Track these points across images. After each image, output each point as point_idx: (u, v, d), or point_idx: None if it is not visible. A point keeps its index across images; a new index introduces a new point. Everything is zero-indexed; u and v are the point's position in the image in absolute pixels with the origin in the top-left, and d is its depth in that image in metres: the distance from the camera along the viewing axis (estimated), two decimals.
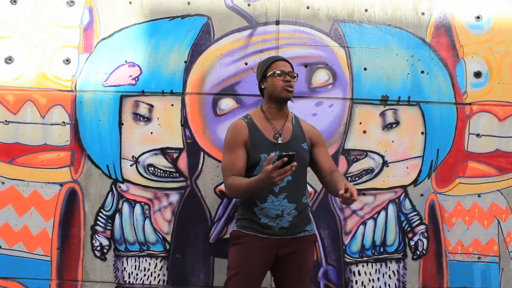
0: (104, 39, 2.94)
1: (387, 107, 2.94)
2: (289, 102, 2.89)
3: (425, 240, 2.92)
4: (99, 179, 2.91)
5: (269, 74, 2.33)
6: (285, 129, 2.34)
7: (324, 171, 2.35)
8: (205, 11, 2.95)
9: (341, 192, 2.03)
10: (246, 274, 2.22)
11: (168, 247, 2.90)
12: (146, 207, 2.90)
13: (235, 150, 2.29)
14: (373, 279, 2.91)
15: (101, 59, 2.93)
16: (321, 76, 2.94)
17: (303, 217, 2.31)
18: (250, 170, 2.28)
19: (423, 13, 2.97)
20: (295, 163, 1.94)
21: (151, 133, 2.91)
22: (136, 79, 2.92)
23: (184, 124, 2.91)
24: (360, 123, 2.93)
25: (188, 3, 2.95)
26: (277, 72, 2.31)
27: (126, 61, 2.93)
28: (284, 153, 1.92)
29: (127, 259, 2.90)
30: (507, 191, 2.94)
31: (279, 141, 2.29)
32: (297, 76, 2.39)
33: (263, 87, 2.39)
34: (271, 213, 2.24)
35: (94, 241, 2.90)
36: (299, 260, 2.27)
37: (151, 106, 2.92)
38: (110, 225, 2.90)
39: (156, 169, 2.91)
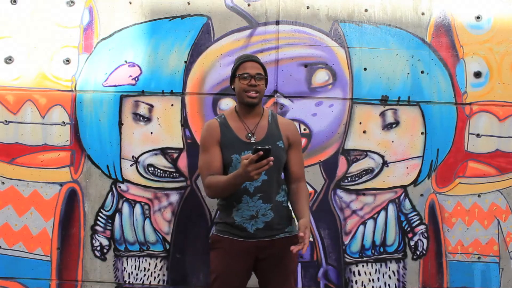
0: (104, 39, 2.94)
1: (387, 107, 2.94)
2: (289, 102, 2.92)
3: (425, 240, 2.92)
4: (99, 179, 2.91)
5: (237, 75, 2.29)
6: (259, 128, 2.29)
7: (292, 176, 2.33)
8: (205, 11, 2.95)
9: (300, 234, 2.03)
10: (226, 279, 2.21)
11: (168, 247, 2.90)
12: (146, 207, 2.90)
13: (210, 150, 2.26)
14: (373, 279, 2.91)
15: (101, 59, 2.93)
16: (321, 76, 2.94)
17: (281, 218, 2.27)
18: (223, 170, 2.26)
19: (423, 13, 2.97)
20: (271, 158, 1.93)
21: (151, 133, 2.91)
22: (136, 79, 2.92)
23: (184, 124, 2.91)
24: (360, 123, 2.93)
25: (188, 3, 2.95)
26: (242, 75, 2.26)
27: (126, 61, 2.93)
28: (259, 147, 1.90)
29: (127, 259, 2.90)
30: (507, 191, 2.94)
31: (252, 141, 2.25)
32: (265, 78, 2.31)
33: (232, 87, 2.36)
34: (245, 214, 2.22)
35: (94, 241, 2.90)
36: (280, 263, 2.23)
37: (151, 106, 2.92)
38: (110, 225, 2.90)
39: (156, 169, 2.91)
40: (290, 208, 2.34)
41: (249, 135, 2.27)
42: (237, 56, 2.41)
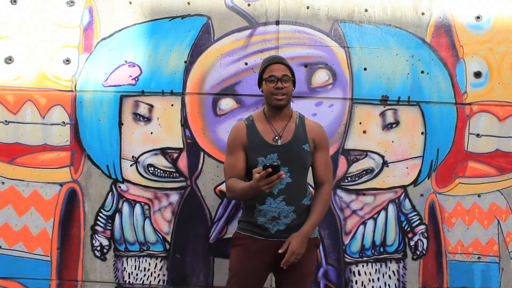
0: (104, 39, 2.94)
1: (387, 107, 2.94)
2: None
3: (425, 240, 2.92)
4: (99, 179, 2.90)
5: (264, 78, 2.31)
6: (287, 130, 2.31)
7: (316, 179, 2.34)
8: (205, 11, 2.95)
9: (280, 251, 2.18)
10: (243, 276, 2.23)
11: (168, 247, 2.90)
12: (146, 207, 2.90)
13: (234, 152, 2.30)
14: (373, 279, 2.91)
15: (101, 59, 2.93)
16: (321, 76, 2.94)
17: (304, 220, 2.27)
18: (250, 172, 2.25)
19: (423, 13, 2.97)
20: (282, 172, 1.99)
21: (151, 133, 2.91)
22: (136, 79, 2.92)
23: (184, 124, 2.91)
24: (360, 123, 2.93)
25: (188, 3, 2.95)
26: (268, 78, 2.28)
27: (126, 61, 2.93)
28: (268, 164, 1.98)
29: (127, 259, 2.90)
30: (507, 191, 2.94)
31: (279, 143, 2.27)
32: (293, 79, 2.33)
33: (261, 90, 2.38)
34: (268, 215, 2.24)
35: (94, 241, 2.90)
36: (297, 264, 2.23)
37: (151, 106, 2.92)
38: (110, 225, 2.90)
39: (156, 169, 2.91)
40: None
41: (276, 137, 2.28)
42: (263, 58, 2.44)
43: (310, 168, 2.38)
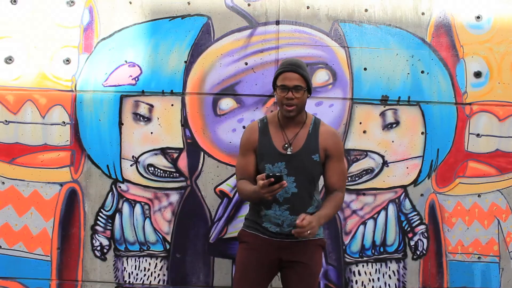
0: (104, 39, 2.94)
1: (387, 107, 2.94)
2: None
3: (425, 240, 2.92)
4: (99, 179, 2.90)
5: (276, 84, 2.24)
6: (298, 138, 2.25)
7: (328, 186, 2.31)
8: (205, 11, 2.95)
9: (297, 222, 2.05)
10: (247, 272, 2.24)
11: (168, 247, 2.90)
12: (146, 207, 2.90)
13: (246, 154, 2.30)
14: (373, 279, 2.91)
15: (101, 59, 2.93)
16: (321, 76, 2.94)
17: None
18: (259, 174, 2.24)
19: (423, 13, 2.97)
20: (284, 182, 2.00)
21: (151, 133, 2.91)
22: (136, 79, 2.92)
23: (184, 124, 2.91)
24: (360, 123, 2.93)
25: (188, 3, 2.95)
26: (280, 86, 2.20)
27: (126, 61, 2.93)
28: (271, 174, 2.00)
29: (127, 259, 2.90)
30: (507, 191, 2.94)
31: (288, 152, 2.23)
32: (305, 89, 2.20)
33: (274, 94, 2.31)
34: (272, 220, 2.25)
35: (94, 241, 2.90)
36: (304, 266, 2.23)
37: (151, 106, 2.92)
38: (110, 225, 2.90)
39: (156, 169, 2.91)
40: None
41: (286, 146, 2.25)
42: (283, 61, 2.32)
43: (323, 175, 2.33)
